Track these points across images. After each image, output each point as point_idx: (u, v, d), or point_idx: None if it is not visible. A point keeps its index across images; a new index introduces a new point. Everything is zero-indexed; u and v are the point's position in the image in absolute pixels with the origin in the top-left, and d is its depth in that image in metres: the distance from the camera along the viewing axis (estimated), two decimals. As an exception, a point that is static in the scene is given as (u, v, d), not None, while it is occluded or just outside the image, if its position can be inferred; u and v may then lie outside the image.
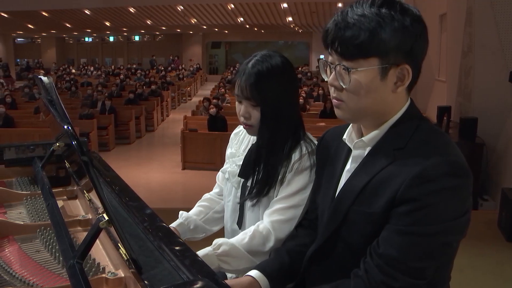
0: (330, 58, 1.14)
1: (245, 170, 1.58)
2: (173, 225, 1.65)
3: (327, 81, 1.17)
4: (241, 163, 1.60)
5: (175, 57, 29.72)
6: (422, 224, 1.03)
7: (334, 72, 1.12)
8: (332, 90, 1.16)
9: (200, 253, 1.40)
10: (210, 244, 1.44)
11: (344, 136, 1.26)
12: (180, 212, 1.71)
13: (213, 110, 8.96)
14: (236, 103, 1.56)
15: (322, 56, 1.29)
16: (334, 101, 1.17)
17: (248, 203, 1.58)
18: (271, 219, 1.47)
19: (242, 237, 1.46)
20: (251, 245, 1.44)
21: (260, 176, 1.53)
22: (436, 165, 1.03)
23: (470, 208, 1.08)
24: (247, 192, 1.57)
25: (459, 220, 1.04)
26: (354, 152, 1.22)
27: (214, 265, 1.41)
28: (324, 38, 1.13)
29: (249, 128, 1.55)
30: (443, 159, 1.04)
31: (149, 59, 29.99)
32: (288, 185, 1.49)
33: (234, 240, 1.46)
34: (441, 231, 1.03)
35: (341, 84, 1.11)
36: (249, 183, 1.57)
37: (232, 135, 1.76)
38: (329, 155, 1.33)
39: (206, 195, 1.82)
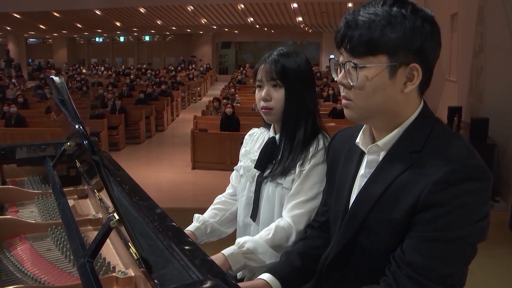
0: (341, 58, 1.14)
1: (262, 162, 1.62)
2: (190, 228, 1.66)
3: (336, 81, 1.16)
4: (256, 158, 1.64)
5: (193, 57, 29.81)
6: (447, 229, 1.02)
7: (343, 70, 1.12)
8: (341, 89, 1.16)
9: (226, 252, 1.42)
10: (222, 247, 1.45)
11: (357, 140, 1.24)
12: (195, 215, 1.71)
13: (229, 110, 8.93)
14: (256, 91, 1.62)
15: (333, 56, 1.28)
16: (343, 101, 1.16)
17: (264, 195, 1.60)
18: (291, 214, 1.51)
19: (265, 234, 1.49)
20: (275, 240, 1.47)
21: (280, 159, 1.57)
22: (457, 170, 1.02)
23: (490, 209, 1.07)
24: (268, 172, 1.60)
25: (482, 222, 1.04)
26: (368, 157, 1.20)
27: (241, 263, 1.43)
28: (335, 37, 1.14)
29: (268, 112, 1.58)
30: (463, 163, 1.03)
31: (158, 58, 30.12)
32: (305, 179, 1.53)
33: (257, 237, 1.49)
34: (466, 235, 1.03)
35: (350, 81, 1.11)
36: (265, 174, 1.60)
37: (246, 136, 1.80)
38: (341, 158, 1.32)
39: (220, 197, 1.82)
